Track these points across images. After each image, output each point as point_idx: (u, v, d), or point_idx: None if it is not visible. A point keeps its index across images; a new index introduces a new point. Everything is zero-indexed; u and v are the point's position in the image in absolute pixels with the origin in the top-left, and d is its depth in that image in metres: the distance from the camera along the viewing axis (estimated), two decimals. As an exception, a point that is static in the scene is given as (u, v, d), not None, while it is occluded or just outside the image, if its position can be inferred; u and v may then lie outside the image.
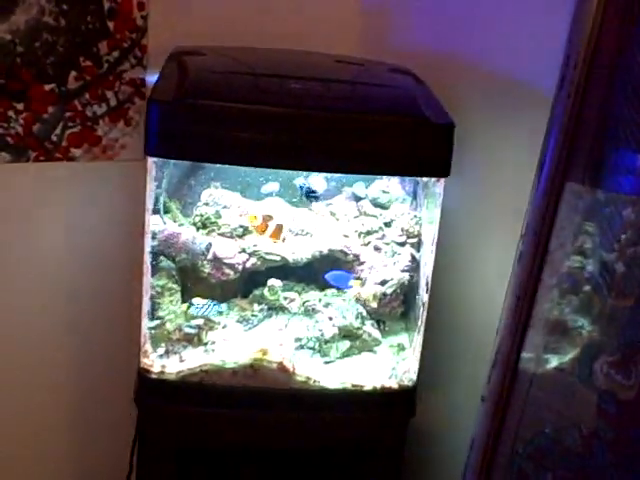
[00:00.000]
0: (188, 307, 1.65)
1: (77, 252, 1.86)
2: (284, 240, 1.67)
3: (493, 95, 1.60)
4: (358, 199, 1.82)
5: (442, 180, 1.54)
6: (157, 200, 1.63)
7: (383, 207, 1.82)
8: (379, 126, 1.43)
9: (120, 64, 1.78)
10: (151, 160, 1.47)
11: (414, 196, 1.81)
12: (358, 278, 1.74)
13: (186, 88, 1.39)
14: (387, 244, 1.78)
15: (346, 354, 1.67)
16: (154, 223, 1.62)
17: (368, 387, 1.61)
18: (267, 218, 1.70)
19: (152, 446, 1.60)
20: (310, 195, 1.70)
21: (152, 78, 1.68)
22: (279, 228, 1.70)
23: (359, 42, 1.85)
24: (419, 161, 1.47)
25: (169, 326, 1.64)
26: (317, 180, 1.77)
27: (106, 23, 1.73)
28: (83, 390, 1.98)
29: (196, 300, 1.65)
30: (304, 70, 1.54)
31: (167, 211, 1.72)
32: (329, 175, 1.75)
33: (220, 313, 1.67)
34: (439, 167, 1.48)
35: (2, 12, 1.64)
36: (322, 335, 1.67)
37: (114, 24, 1.74)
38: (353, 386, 1.60)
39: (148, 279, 1.58)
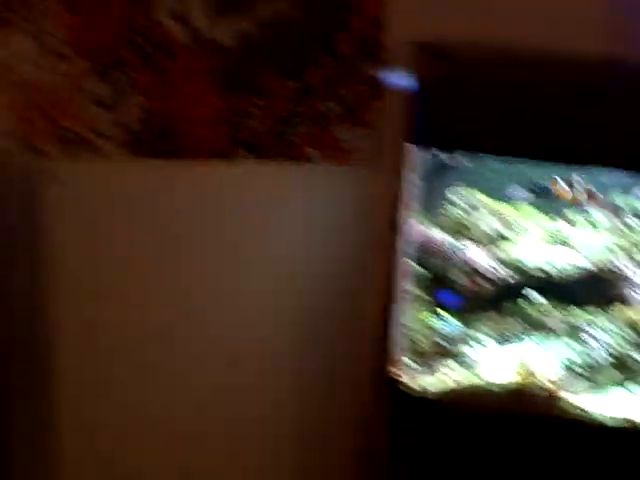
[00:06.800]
0: (437, 320, 1.55)
1: (312, 256, 1.79)
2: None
3: None
4: (616, 209, 1.65)
5: None
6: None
7: (648, 219, 1.68)
8: None
9: (358, 60, 1.66)
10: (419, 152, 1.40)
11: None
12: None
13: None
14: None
15: (618, 384, 1.52)
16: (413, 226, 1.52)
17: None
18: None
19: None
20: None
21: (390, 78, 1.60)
22: None
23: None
24: None
25: (420, 337, 1.53)
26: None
27: (346, 16, 1.62)
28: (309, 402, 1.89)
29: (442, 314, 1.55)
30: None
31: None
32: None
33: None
34: None
35: (246, 3, 1.60)
36: (593, 361, 1.53)
37: (354, 18, 1.63)
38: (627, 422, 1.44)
39: (400, 285, 1.47)
